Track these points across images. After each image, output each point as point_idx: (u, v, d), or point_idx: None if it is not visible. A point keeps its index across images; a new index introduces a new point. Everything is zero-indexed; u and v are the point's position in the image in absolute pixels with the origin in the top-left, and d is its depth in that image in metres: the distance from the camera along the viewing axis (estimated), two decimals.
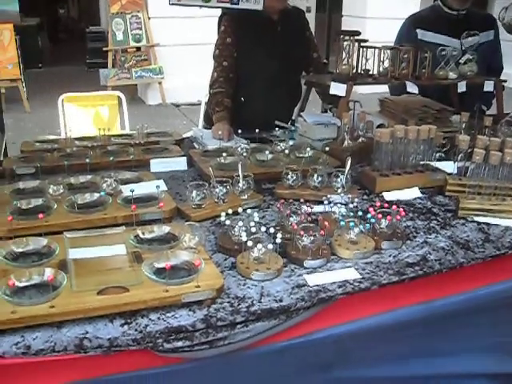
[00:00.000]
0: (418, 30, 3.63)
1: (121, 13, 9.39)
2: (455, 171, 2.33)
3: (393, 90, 3.63)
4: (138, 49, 9.61)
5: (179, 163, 2.55)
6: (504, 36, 3.83)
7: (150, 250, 1.68)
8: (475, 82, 3.09)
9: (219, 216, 1.85)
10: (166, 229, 1.81)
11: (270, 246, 1.65)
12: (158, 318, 1.43)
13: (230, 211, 1.86)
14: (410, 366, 1.90)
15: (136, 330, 1.39)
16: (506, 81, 3.16)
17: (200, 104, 4.40)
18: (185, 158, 2.59)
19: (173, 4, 2.83)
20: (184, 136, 3.06)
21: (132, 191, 1.97)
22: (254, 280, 1.62)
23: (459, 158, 2.29)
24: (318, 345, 1.65)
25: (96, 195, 2.05)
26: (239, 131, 2.85)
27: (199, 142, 2.88)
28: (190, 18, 8.60)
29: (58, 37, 18.19)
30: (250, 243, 1.64)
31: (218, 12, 3.34)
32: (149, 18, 9.49)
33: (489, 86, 3.08)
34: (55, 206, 1.95)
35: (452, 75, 3.03)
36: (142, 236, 1.77)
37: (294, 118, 3.32)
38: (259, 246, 1.64)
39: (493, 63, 3.71)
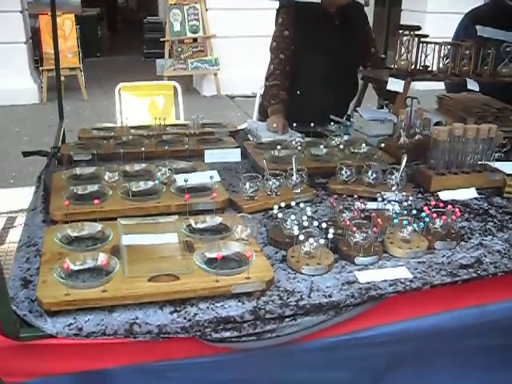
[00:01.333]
0: (477, 26, 3.52)
1: (179, 4, 9.49)
2: None
3: (449, 87, 3.55)
4: (195, 40, 9.69)
5: (233, 154, 2.55)
6: None
7: (201, 239, 1.69)
8: None
9: (271, 209, 1.85)
10: (218, 219, 1.82)
11: (322, 241, 1.64)
12: (207, 308, 1.44)
13: (282, 204, 1.85)
14: (460, 370, 1.86)
15: (185, 318, 1.40)
16: None
17: (255, 96, 4.41)
18: (239, 149, 2.60)
19: None
20: (238, 128, 3.07)
21: (186, 181, 1.99)
22: (304, 274, 1.62)
23: None
24: (368, 344, 1.63)
25: (150, 183, 2.08)
26: (294, 124, 2.84)
27: (254, 134, 2.89)
28: (247, 9, 8.62)
29: (117, 27, 18.50)
30: (301, 237, 1.63)
31: (276, 4, 3.33)
32: (206, 10, 9.56)
33: None
34: (110, 193, 1.98)
35: None
36: (194, 225, 1.79)
37: (349, 113, 3.29)
38: (311, 240, 1.63)
39: None
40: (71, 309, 1.39)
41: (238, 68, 9.34)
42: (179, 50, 9.53)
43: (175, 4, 9.49)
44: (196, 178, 2.11)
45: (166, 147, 2.47)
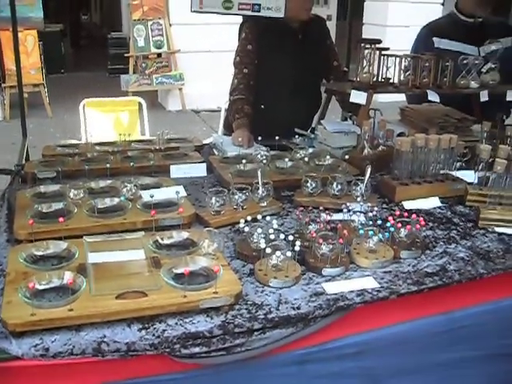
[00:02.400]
0: (434, 39, 3.63)
1: (142, 19, 9.48)
2: (476, 181, 2.31)
3: (410, 99, 3.62)
4: (159, 55, 9.69)
5: (199, 169, 2.56)
6: None
7: (168, 255, 1.69)
8: (497, 91, 3.06)
9: (238, 223, 1.85)
10: (184, 234, 1.82)
11: (289, 254, 1.65)
12: (176, 324, 1.44)
13: (248, 218, 1.86)
14: (430, 378, 1.88)
15: (153, 334, 1.39)
16: None
17: (220, 111, 4.41)
18: (204, 164, 2.60)
19: (195, 11, 2.85)
20: (204, 142, 3.07)
21: (152, 196, 1.98)
22: (271, 287, 1.62)
23: (480, 167, 2.27)
24: (337, 355, 1.64)
25: (116, 200, 2.07)
26: (259, 138, 2.85)
27: (219, 148, 2.89)
28: (210, 24, 8.63)
29: (80, 43, 18.38)
30: (268, 250, 1.64)
31: (239, 19, 3.35)
32: (170, 25, 9.56)
33: (511, 95, 3.05)
34: (75, 210, 1.96)
35: (474, 84, 3.01)
36: (160, 241, 1.78)
37: (313, 125, 3.32)
38: (278, 253, 1.64)
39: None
40: (37, 329, 1.37)
41: (202, 83, 9.35)
42: (144, 65, 9.51)
43: (139, 20, 9.48)
44: (162, 194, 2.10)
45: (132, 163, 2.45)
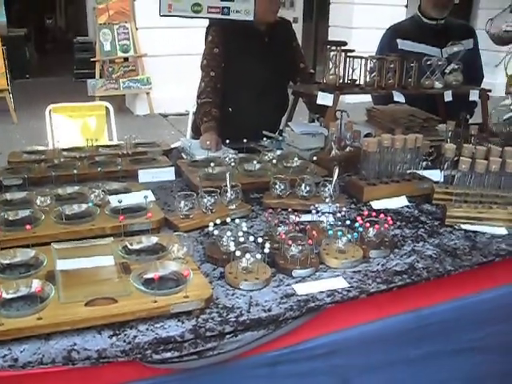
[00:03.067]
0: (398, 40, 3.70)
1: (108, 23, 9.41)
2: (442, 179, 2.35)
3: (377, 100, 3.67)
4: (126, 59, 9.63)
5: (167, 173, 2.54)
6: (481, 45, 3.91)
7: (138, 260, 1.68)
8: (461, 91, 3.12)
9: (207, 226, 1.86)
10: (154, 239, 1.81)
11: (259, 256, 1.66)
12: (147, 329, 1.43)
13: (218, 221, 1.86)
14: (401, 374, 1.90)
15: (124, 341, 1.39)
16: (490, 90, 3.20)
17: (188, 114, 4.40)
18: (173, 168, 2.59)
19: (164, 15, 2.84)
20: (172, 146, 3.06)
21: (120, 202, 1.97)
22: (242, 290, 1.62)
23: (446, 166, 2.30)
24: (310, 356, 1.65)
25: (84, 206, 2.05)
26: (227, 141, 2.85)
27: (187, 152, 2.88)
28: (177, 28, 8.60)
29: (46, 47, 18.13)
30: (238, 253, 1.64)
31: (206, 22, 3.35)
32: (136, 29, 9.51)
33: (474, 95, 3.11)
34: (43, 217, 1.94)
35: (438, 85, 3.06)
36: (130, 247, 1.77)
37: (281, 127, 3.33)
38: (247, 255, 1.64)
39: (473, 72, 3.75)
40: (5, 339, 1.35)
41: (170, 86, 9.31)
42: (110, 69, 9.44)
43: (105, 24, 9.41)
44: (130, 199, 2.09)
45: (99, 169, 2.44)
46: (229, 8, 2.90)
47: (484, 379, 2.08)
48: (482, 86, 3.48)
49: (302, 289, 1.64)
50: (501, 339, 2.06)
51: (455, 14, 4.05)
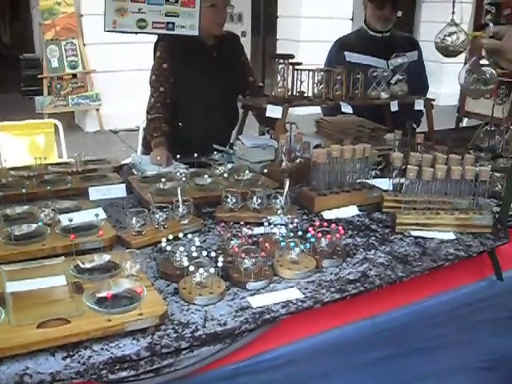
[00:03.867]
0: (345, 53, 3.79)
1: (55, 39, 9.31)
2: (391, 188, 2.39)
3: (325, 111, 3.73)
4: (74, 75, 9.52)
5: (118, 190, 2.52)
6: (425, 57, 4.03)
7: (90, 279, 1.66)
8: (406, 101, 3.20)
9: (160, 242, 1.84)
10: (106, 257, 1.79)
11: (212, 270, 1.65)
12: (102, 349, 1.41)
13: (170, 237, 1.85)
14: (359, 380, 1.92)
15: (79, 362, 1.36)
16: (434, 99, 3.29)
17: (138, 130, 4.38)
18: (124, 184, 2.57)
19: (108, 31, 2.82)
20: (122, 163, 3.04)
21: (70, 220, 1.94)
22: (197, 305, 1.62)
23: (394, 174, 2.35)
24: (268, 368, 1.65)
25: (33, 226, 2.01)
26: (178, 156, 2.85)
27: (138, 168, 2.86)
28: (126, 43, 8.55)
29: None
30: (191, 268, 1.64)
31: (154, 38, 3.35)
32: (84, 45, 9.43)
33: (419, 104, 3.19)
34: None
35: (384, 95, 3.13)
36: (82, 266, 1.74)
37: (231, 141, 3.34)
38: (201, 270, 1.64)
39: (419, 83, 3.88)
40: None
41: (119, 102, 9.25)
42: (58, 86, 9.33)
43: (52, 40, 9.30)
44: (81, 217, 2.06)
45: (49, 187, 2.39)
46: (173, 23, 2.91)
47: (437, 376, 2.12)
48: (428, 95, 3.59)
49: (257, 301, 1.65)
50: (450, 339, 2.11)
51: (399, 27, 4.17)
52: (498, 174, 2.56)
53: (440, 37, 2.25)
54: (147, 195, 2.19)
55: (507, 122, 3.12)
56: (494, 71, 2.17)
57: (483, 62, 2.19)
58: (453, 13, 2.26)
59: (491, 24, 2.15)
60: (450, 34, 2.22)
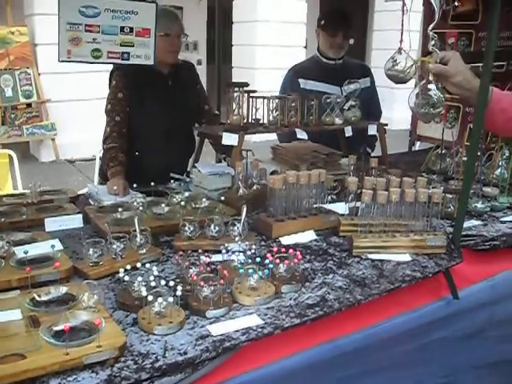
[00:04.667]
0: (300, 80, 3.87)
1: (9, 69, 9.22)
2: (347, 212, 2.42)
3: (281, 137, 3.79)
4: (29, 105, 9.42)
5: (75, 221, 2.50)
6: (378, 83, 4.14)
7: (47, 312, 1.63)
8: (360, 126, 3.27)
9: (118, 272, 1.83)
10: (63, 289, 1.76)
11: (171, 299, 1.65)
12: (59, 383, 1.39)
13: (128, 267, 1.84)
14: None
15: None
16: (387, 124, 3.37)
17: (95, 159, 4.35)
18: (80, 215, 2.54)
19: (63, 61, 2.81)
20: (79, 193, 3.01)
21: (26, 252, 1.91)
22: (156, 335, 1.61)
23: (350, 199, 2.38)
24: None
25: None
26: (135, 185, 2.84)
27: (94, 198, 2.84)
28: (81, 73, 8.53)
29: None
30: (150, 298, 1.63)
31: (110, 67, 3.35)
32: (39, 74, 9.35)
33: (372, 129, 3.27)
34: None
35: (338, 121, 3.19)
36: (38, 299, 1.71)
37: (188, 169, 3.35)
38: (160, 299, 1.63)
39: (372, 108, 3.98)
40: None
41: (75, 132, 9.19)
42: (13, 116, 9.21)
43: (5, 69, 9.20)
44: (37, 249, 2.03)
45: (3, 219, 2.36)
46: (129, 53, 2.92)
47: None
48: (381, 120, 3.67)
49: (217, 329, 1.64)
50: (409, 358, 2.15)
51: (352, 54, 4.28)
52: (450, 196, 2.62)
53: (389, 65, 2.32)
54: (104, 225, 2.17)
55: (457, 144, 3.22)
56: (441, 95, 2.24)
57: (430, 86, 2.25)
58: (401, 41, 2.33)
59: (437, 50, 2.23)
60: (399, 62, 2.29)
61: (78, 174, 8.52)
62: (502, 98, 2.29)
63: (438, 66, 2.21)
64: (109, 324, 1.55)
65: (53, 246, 1.99)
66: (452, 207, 2.60)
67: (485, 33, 2.10)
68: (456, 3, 3.64)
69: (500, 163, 3.00)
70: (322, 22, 3.97)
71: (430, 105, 2.25)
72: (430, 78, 2.25)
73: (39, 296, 1.72)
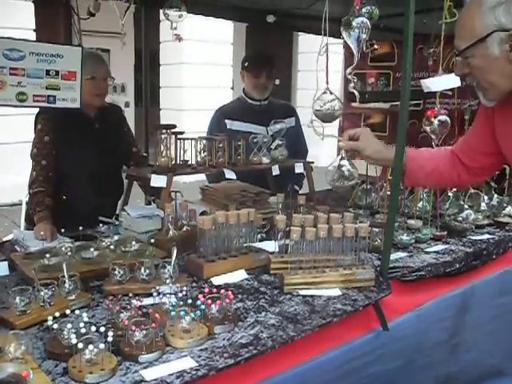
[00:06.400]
0: (226, 121, 3.94)
1: None
2: (277, 250, 2.45)
3: (210, 178, 3.83)
4: None
5: (0, 268, 2.42)
6: (302, 122, 4.25)
7: None
8: (287, 164, 3.34)
9: (46, 320, 1.78)
10: None
11: (102, 346, 1.62)
12: None
13: (57, 314, 1.80)
14: None
15: None
16: (313, 162, 3.46)
17: (21, 204, 4.24)
18: (6, 262, 2.47)
19: None
20: (4, 239, 2.93)
21: None
22: (88, 383, 1.57)
23: (279, 236, 2.42)
24: None
25: None
26: (62, 230, 2.80)
27: (21, 244, 2.77)
28: (5, 116, 8.35)
29: None
30: (80, 345, 1.59)
31: (35, 110, 3.31)
32: None
33: (299, 167, 3.35)
34: None
35: (265, 160, 3.26)
36: None
37: (117, 212, 3.32)
38: (90, 347, 1.60)
39: (298, 147, 4.09)
40: None
41: (1, 176, 8.93)
42: None
43: None
44: None
45: None
46: (55, 96, 2.90)
47: None
48: (308, 158, 3.76)
49: (151, 374, 1.62)
50: None
51: (277, 94, 4.40)
52: (376, 229, 2.71)
53: (317, 106, 2.41)
54: (31, 272, 2.12)
55: (381, 179, 3.33)
56: (352, 170, 2.39)
57: (343, 162, 2.40)
58: (327, 82, 2.43)
59: (355, 91, 2.35)
60: (327, 102, 2.40)
61: (3, 220, 8.27)
62: (416, 156, 2.46)
63: (348, 144, 2.37)
64: (37, 375, 1.51)
65: None
66: (379, 240, 2.68)
67: (401, 73, 2.21)
68: (375, 46, 3.82)
69: (421, 196, 3.13)
70: (246, 64, 4.07)
71: (344, 178, 2.39)
72: (343, 154, 2.40)
73: None
